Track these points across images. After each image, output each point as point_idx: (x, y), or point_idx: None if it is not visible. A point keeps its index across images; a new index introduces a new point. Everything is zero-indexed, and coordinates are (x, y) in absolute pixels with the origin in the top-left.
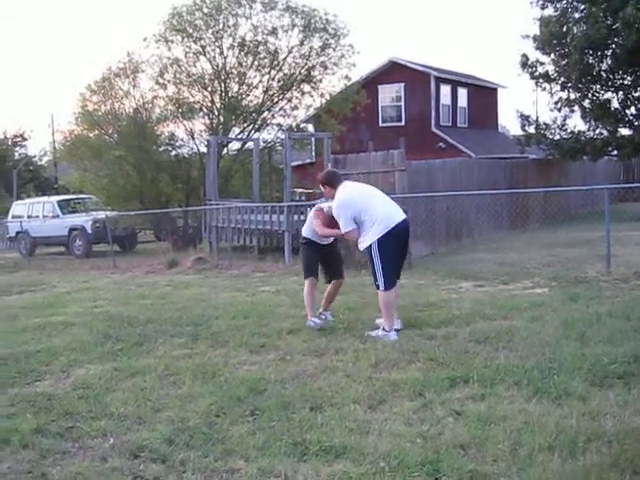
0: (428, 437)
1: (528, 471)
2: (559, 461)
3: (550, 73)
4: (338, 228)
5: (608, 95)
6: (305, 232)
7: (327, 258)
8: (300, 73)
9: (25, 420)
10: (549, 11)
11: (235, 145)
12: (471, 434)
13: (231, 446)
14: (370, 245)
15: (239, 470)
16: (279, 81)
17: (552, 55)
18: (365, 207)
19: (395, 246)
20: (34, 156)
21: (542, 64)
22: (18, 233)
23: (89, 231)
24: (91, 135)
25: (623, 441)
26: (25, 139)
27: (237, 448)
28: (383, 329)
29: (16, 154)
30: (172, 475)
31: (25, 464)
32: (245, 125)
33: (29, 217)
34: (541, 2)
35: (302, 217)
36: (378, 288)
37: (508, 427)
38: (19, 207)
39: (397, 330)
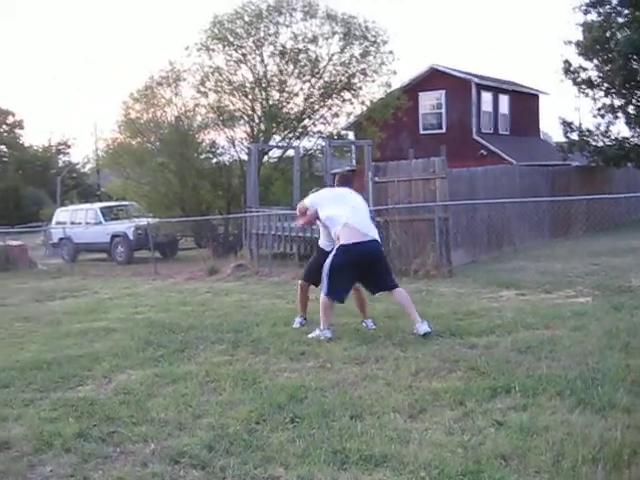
0: (469, 447)
1: None
2: (603, 474)
3: (593, 79)
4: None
5: None
6: (320, 242)
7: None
8: (340, 81)
9: (68, 424)
10: (592, 16)
11: (276, 153)
12: (513, 445)
13: (271, 453)
14: (333, 248)
15: (278, 478)
16: (320, 89)
17: (595, 61)
18: (337, 209)
19: (350, 262)
20: (77, 163)
21: (585, 70)
22: (61, 239)
23: (131, 238)
24: (133, 143)
25: None
26: (69, 147)
27: (277, 455)
28: (319, 329)
29: (60, 161)
30: None
31: (67, 468)
32: (286, 133)
33: (72, 223)
34: (584, 7)
35: None
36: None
37: (550, 438)
38: (62, 214)
39: (426, 334)
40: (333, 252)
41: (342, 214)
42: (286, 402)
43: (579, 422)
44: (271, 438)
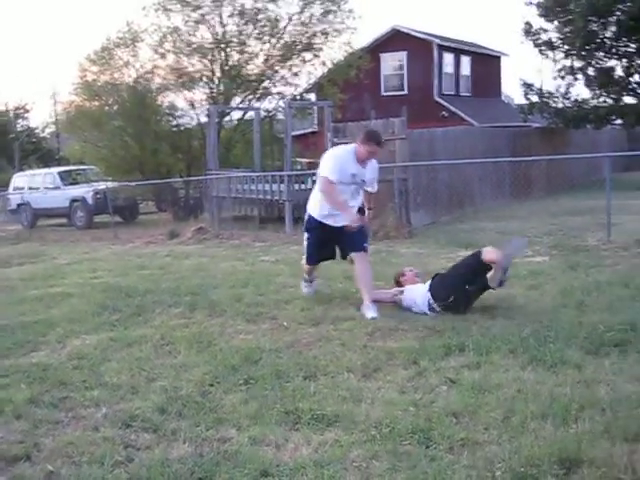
0: (421, 405)
1: (519, 439)
2: (551, 429)
3: (553, 41)
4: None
5: (612, 63)
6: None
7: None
8: (301, 41)
9: (19, 390)
10: None
11: (236, 115)
12: (464, 402)
13: (223, 415)
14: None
15: (230, 439)
16: (280, 49)
17: (556, 22)
18: None
19: None
20: (36, 128)
21: (545, 31)
22: (20, 205)
23: (90, 202)
24: (91, 106)
25: (616, 409)
26: (27, 111)
27: (229, 417)
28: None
29: (18, 126)
30: (163, 444)
31: (18, 434)
32: (246, 94)
33: (30, 189)
34: None
35: (302, 186)
36: (366, 250)
37: (502, 395)
38: (20, 179)
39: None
40: None
41: None
42: (240, 364)
43: (530, 379)
44: (224, 400)
